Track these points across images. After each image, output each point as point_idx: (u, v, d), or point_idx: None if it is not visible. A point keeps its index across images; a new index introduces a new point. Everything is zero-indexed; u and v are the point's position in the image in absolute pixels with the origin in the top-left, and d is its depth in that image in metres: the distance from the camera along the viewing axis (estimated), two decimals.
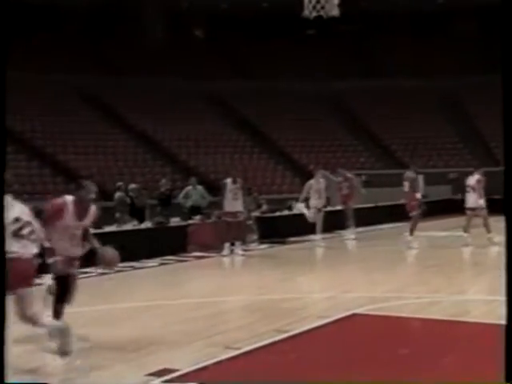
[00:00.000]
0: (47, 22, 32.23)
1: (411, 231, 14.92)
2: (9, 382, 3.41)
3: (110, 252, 6.80)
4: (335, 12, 7.15)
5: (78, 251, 6.72)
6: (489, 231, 14.43)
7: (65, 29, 33.48)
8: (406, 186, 14.87)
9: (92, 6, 33.11)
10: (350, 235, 17.35)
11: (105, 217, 15.37)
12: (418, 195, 15.17)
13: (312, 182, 16.37)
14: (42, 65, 29.55)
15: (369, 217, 20.90)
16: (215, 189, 18.58)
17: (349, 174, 18.07)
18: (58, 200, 6.60)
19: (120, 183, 16.55)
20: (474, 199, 14.63)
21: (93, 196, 6.67)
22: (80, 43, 33.37)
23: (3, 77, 3.31)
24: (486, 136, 31.96)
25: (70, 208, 6.52)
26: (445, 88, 34.51)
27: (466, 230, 14.77)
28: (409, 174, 15.08)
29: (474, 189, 14.66)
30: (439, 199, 25.88)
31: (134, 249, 13.06)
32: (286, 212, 19.15)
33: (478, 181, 14.65)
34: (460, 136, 33.03)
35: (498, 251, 13.10)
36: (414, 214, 14.90)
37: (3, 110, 3.28)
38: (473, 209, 14.70)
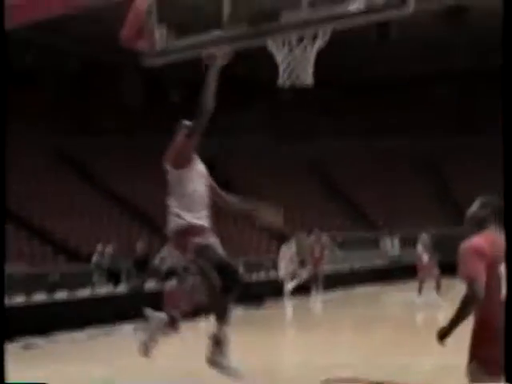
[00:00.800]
0: (24, 81, 32.43)
1: (437, 289, 15.63)
2: (9, 382, 3.39)
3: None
4: (309, 81, 7.33)
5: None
6: None
7: (42, 88, 33.66)
8: (420, 248, 15.53)
9: (70, 66, 33.43)
10: (318, 298, 17.44)
11: (80, 280, 15.35)
12: (425, 257, 15.75)
13: (284, 247, 16.66)
14: (17, 124, 29.60)
15: (344, 279, 20.97)
16: None
17: (323, 237, 18.31)
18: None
19: (99, 246, 16.56)
20: None
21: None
22: (56, 103, 33.52)
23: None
24: (458, 198, 32.43)
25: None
26: (418, 149, 35.16)
27: None
28: (423, 236, 15.69)
29: None
30: (413, 261, 26.04)
31: (108, 314, 12.97)
32: (262, 274, 19.15)
33: None
34: (434, 197, 33.49)
35: None
36: (421, 275, 15.49)
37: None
38: None
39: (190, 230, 5.35)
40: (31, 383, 5.17)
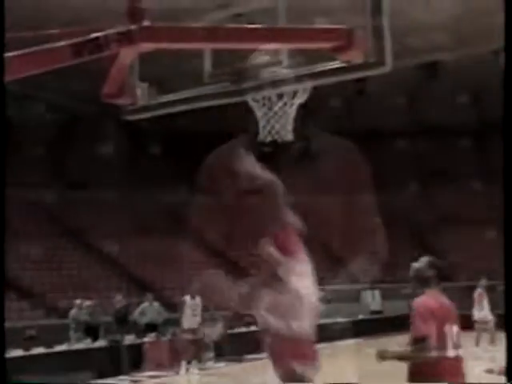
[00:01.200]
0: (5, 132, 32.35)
1: None
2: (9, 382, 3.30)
3: None
4: (289, 137, 7.45)
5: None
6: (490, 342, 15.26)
7: (23, 140, 33.58)
8: None
9: (51, 121, 33.46)
10: None
11: (58, 335, 15.11)
12: None
13: None
14: None
15: (325, 332, 20.78)
16: (171, 305, 18.41)
17: None
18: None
19: (78, 301, 16.36)
20: (477, 312, 15.44)
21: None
22: (35, 156, 33.37)
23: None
24: (437, 251, 32.52)
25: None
26: (396, 202, 35.42)
27: (476, 343, 15.62)
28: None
29: (475, 302, 15.44)
30: (395, 315, 25.96)
31: (87, 369, 12.75)
32: (243, 329, 18.96)
33: (480, 294, 15.36)
34: (413, 250, 33.54)
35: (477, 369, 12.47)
36: None
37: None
38: (477, 322, 15.42)
39: (291, 345, 4.51)
40: (31, 383, 5.06)
